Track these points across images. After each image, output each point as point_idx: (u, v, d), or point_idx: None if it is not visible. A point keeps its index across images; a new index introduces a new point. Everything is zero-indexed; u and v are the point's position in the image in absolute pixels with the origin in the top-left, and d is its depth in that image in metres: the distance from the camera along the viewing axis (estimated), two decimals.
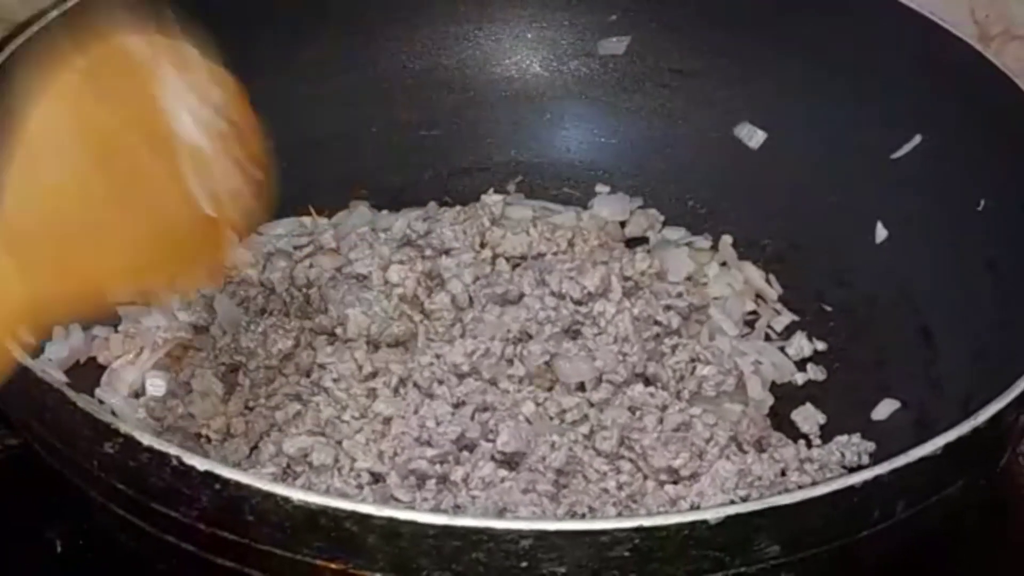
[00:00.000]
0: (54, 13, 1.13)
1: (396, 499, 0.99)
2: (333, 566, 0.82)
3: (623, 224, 1.30)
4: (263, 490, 0.81)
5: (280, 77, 1.28)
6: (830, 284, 1.24)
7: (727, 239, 1.28)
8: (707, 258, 1.26)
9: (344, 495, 0.99)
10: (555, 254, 1.20)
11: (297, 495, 0.80)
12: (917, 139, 1.20)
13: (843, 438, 1.10)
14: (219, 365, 1.11)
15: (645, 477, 1.03)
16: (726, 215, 1.30)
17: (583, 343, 1.11)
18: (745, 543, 0.82)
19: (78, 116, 0.78)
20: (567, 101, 1.35)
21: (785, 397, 1.15)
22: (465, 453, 1.02)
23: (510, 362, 1.09)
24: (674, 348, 1.13)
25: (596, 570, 0.80)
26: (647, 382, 1.10)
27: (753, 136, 1.30)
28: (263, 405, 1.07)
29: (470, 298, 1.14)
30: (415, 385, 1.07)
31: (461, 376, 1.08)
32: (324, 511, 0.80)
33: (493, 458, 1.02)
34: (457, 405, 1.06)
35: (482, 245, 1.20)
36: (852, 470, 1.07)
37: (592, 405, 1.07)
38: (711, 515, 0.80)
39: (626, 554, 0.80)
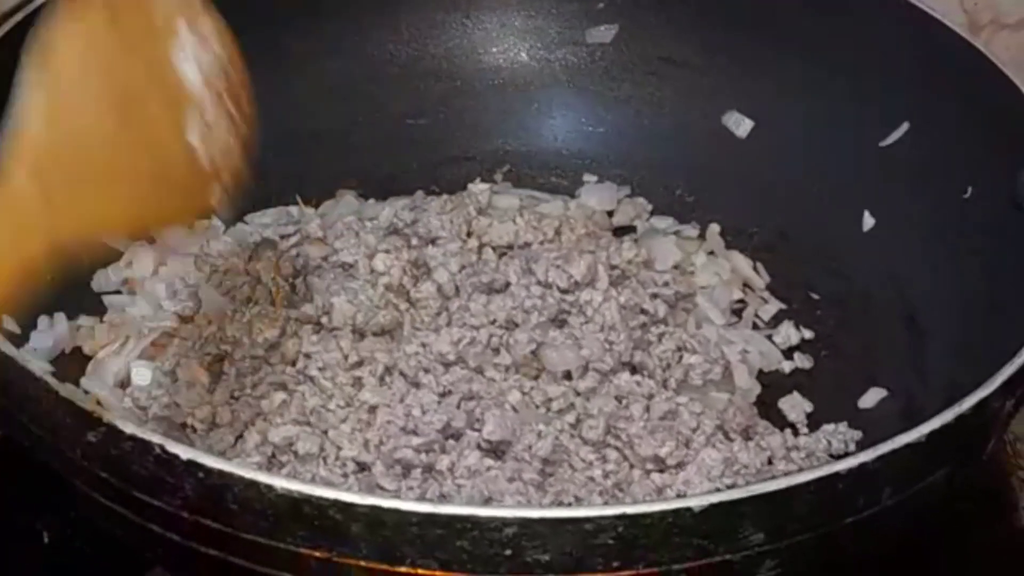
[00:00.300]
0: (38, 2, 1.13)
1: (382, 488, 0.99)
2: (317, 554, 0.82)
3: (610, 213, 1.30)
4: (246, 478, 0.81)
5: (266, 67, 1.26)
6: (817, 273, 1.24)
7: (714, 228, 1.28)
8: (694, 247, 1.26)
9: (329, 484, 0.99)
10: (542, 243, 1.20)
11: (280, 483, 0.80)
12: (905, 127, 1.20)
13: (830, 426, 1.10)
14: (204, 355, 1.10)
15: (631, 466, 1.03)
16: (714, 204, 1.30)
17: (569, 332, 1.10)
18: (730, 530, 0.82)
19: (103, 60, 0.80)
20: (555, 90, 1.35)
21: (772, 385, 1.16)
22: (451, 442, 1.02)
23: (496, 351, 1.09)
24: (661, 337, 1.13)
25: (580, 558, 0.80)
26: (633, 371, 1.10)
27: (741, 125, 1.30)
28: (248, 394, 1.07)
29: (456, 287, 1.13)
30: (401, 374, 1.07)
31: (447, 365, 1.08)
32: (308, 499, 0.80)
33: (479, 447, 1.02)
34: (443, 394, 1.06)
35: (468, 234, 1.20)
36: (839, 458, 1.06)
37: (578, 394, 1.07)
38: (695, 503, 0.80)
39: (610, 542, 0.80)
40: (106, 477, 0.86)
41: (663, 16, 1.31)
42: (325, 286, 1.13)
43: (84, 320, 1.14)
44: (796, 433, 1.11)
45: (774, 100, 1.28)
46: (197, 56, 0.83)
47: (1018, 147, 1.09)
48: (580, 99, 1.35)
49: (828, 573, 0.93)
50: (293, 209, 1.26)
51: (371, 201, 1.28)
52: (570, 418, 1.05)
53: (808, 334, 1.20)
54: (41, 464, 0.93)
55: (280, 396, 1.06)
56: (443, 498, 0.98)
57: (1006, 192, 1.10)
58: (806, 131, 1.26)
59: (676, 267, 1.22)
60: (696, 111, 1.31)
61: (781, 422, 1.12)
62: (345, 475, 1.01)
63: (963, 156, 1.15)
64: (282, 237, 1.21)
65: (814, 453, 1.08)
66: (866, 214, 1.22)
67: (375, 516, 0.80)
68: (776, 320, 1.21)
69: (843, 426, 1.10)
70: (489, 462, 1.01)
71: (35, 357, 1.07)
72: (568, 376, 1.08)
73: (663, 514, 0.80)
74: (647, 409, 1.06)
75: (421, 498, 0.98)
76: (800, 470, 1.02)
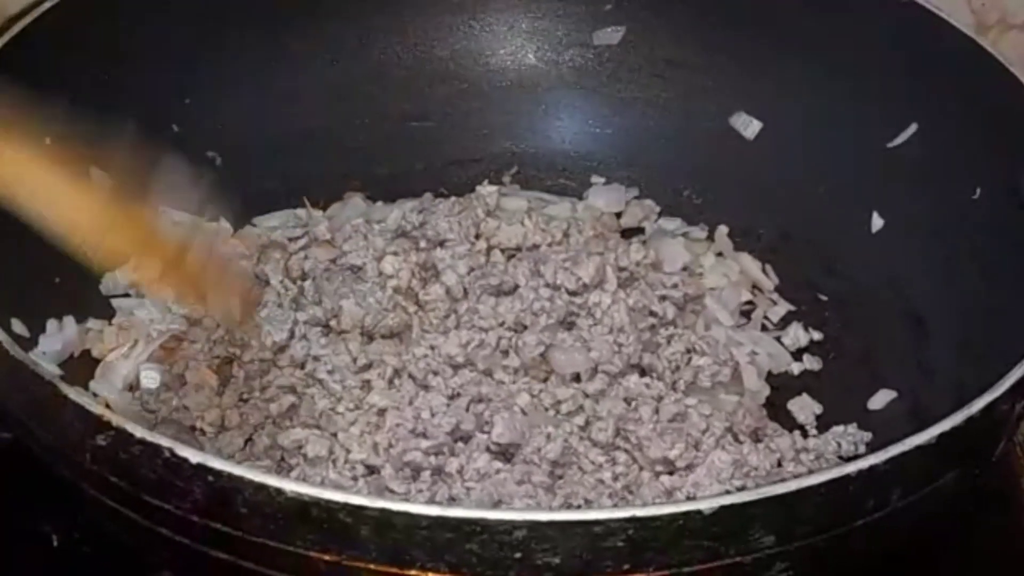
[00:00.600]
0: (47, 4, 1.13)
1: (391, 491, 0.99)
2: (326, 558, 0.82)
3: (618, 215, 1.30)
4: (256, 482, 0.80)
5: (274, 69, 1.29)
6: (826, 274, 1.24)
7: (723, 229, 1.28)
8: (703, 248, 1.26)
9: (338, 487, 0.99)
10: (550, 245, 1.20)
11: (290, 487, 0.80)
12: (913, 128, 1.20)
13: (839, 428, 1.10)
14: (213, 358, 1.10)
15: (641, 468, 1.03)
16: (722, 205, 1.29)
17: (578, 334, 1.10)
18: (740, 533, 0.82)
19: None
20: (562, 91, 1.35)
21: (781, 387, 1.15)
22: (460, 444, 1.02)
23: (505, 353, 1.09)
24: (669, 339, 1.13)
25: (590, 560, 0.80)
26: (642, 373, 1.10)
27: (749, 126, 1.30)
28: (257, 397, 1.07)
29: (464, 289, 1.13)
30: (410, 376, 1.07)
31: (456, 367, 1.08)
32: (317, 503, 0.80)
33: (488, 449, 1.02)
34: (452, 396, 1.06)
35: (477, 236, 1.20)
36: (848, 460, 1.06)
37: (587, 396, 1.07)
38: (705, 505, 0.80)
39: (620, 544, 0.80)
40: (115, 481, 0.86)
41: (670, 18, 1.31)
42: (333, 289, 1.13)
43: (93, 323, 1.14)
44: (805, 435, 1.11)
45: (782, 101, 1.28)
46: None
47: None
48: (587, 101, 1.35)
49: (837, 575, 0.92)
50: (301, 212, 1.27)
51: (379, 203, 1.28)
52: (579, 420, 1.05)
53: (817, 336, 1.20)
54: (50, 468, 0.93)
55: (289, 399, 1.06)
56: (452, 501, 0.98)
57: (1014, 193, 1.10)
58: (814, 132, 1.26)
59: (685, 269, 1.22)
60: (704, 113, 1.31)
61: (790, 424, 1.12)
62: (354, 478, 1.01)
63: (971, 157, 1.15)
64: (290, 239, 1.22)
65: (823, 455, 1.08)
66: (875, 215, 1.22)
67: (384, 519, 0.79)
68: (785, 322, 1.21)
69: (852, 428, 1.10)
70: (498, 465, 1.01)
71: (44, 360, 1.07)
72: (577, 378, 1.08)
73: (673, 517, 0.79)
74: (656, 411, 1.06)
75: (430, 501, 0.98)
76: (810, 472, 1.02)
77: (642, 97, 1.33)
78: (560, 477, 1.01)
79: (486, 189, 1.25)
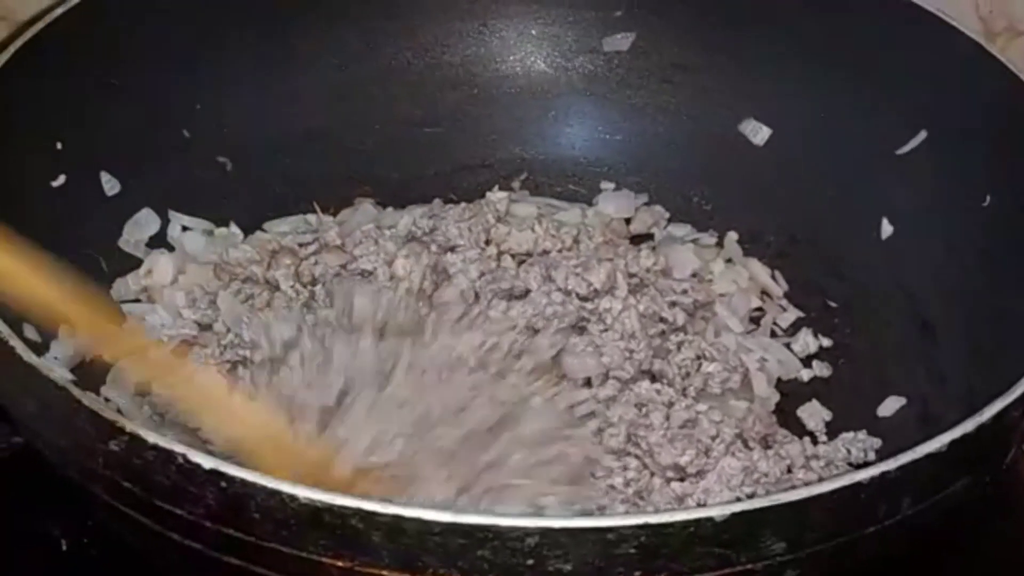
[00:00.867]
0: (59, 11, 1.14)
1: None
2: (339, 563, 0.82)
3: (628, 221, 1.30)
4: (268, 488, 0.80)
5: (284, 74, 1.29)
6: (836, 280, 1.24)
7: (732, 235, 1.28)
8: (712, 255, 1.26)
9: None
10: (560, 251, 1.20)
11: (302, 492, 0.80)
12: (923, 135, 1.20)
13: (849, 435, 1.10)
14: (223, 362, 1.10)
15: (652, 474, 1.03)
16: (731, 211, 1.30)
17: (590, 339, 1.10)
18: (751, 540, 0.82)
19: None
20: (572, 98, 1.35)
21: (791, 394, 1.16)
22: None
23: (518, 357, 1.09)
24: (680, 345, 1.13)
25: (602, 567, 0.80)
26: (653, 379, 1.10)
27: (758, 132, 1.30)
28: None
29: (476, 293, 1.14)
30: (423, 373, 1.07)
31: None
32: (329, 508, 0.80)
33: None
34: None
35: (487, 242, 1.20)
36: (859, 467, 1.07)
37: (599, 402, 1.07)
38: (717, 512, 0.80)
39: (632, 551, 0.80)
40: (128, 486, 0.86)
41: (680, 24, 1.31)
42: (344, 291, 1.13)
43: None
44: (815, 441, 1.11)
45: (791, 108, 1.28)
46: None
47: None
48: (597, 107, 1.35)
49: None
50: (311, 217, 1.27)
51: (389, 209, 1.28)
52: (592, 426, 1.05)
53: (826, 342, 1.20)
54: (61, 472, 0.93)
55: None
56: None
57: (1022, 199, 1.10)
58: (823, 139, 1.26)
59: (694, 275, 1.23)
60: (713, 118, 1.31)
61: (800, 430, 1.12)
62: None
63: (981, 164, 1.15)
64: (300, 245, 1.22)
65: (833, 462, 1.08)
66: (884, 222, 1.22)
67: (397, 525, 0.79)
68: (794, 328, 1.21)
69: (862, 434, 1.10)
70: None
71: (56, 365, 1.07)
72: (588, 383, 1.08)
73: (685, 524, 0.79)
74: (667, 417, 1.06)
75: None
76: (820, 479, 1.02)
77: (652, 103, 1.34)
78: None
79: (496, 195, 1.25)
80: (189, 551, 0.87)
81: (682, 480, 1.02)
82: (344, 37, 1.31)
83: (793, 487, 0.99)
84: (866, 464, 1.06)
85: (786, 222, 1.27)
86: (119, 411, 1.05)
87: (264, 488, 0.81)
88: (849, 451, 1.09)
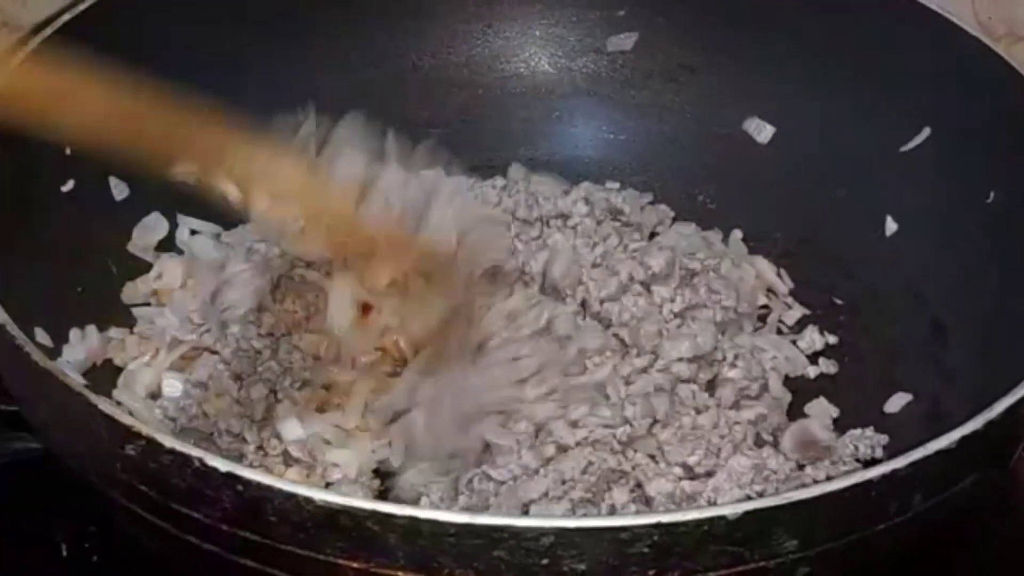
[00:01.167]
0: (66, 17, 1.14)
1: None
2: (355, 565, 0.83)
3: None
4: (285, 490, 0.81)
5: (288, 75, 1.29)
6: (841, 278, 1.24)
7: (737, 234, 1.28)
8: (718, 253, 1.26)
9: None
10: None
11: (319, 495, 0.81)
12: (926, 132, 1.20)
13: (856, 431, 1.10)
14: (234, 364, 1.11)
15: (663, 473, 1.03)
16: (736, 210, 1.30)
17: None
18: (764, 538, 0.82)
19: None
20: (576, 98, 1.36)
21: (798, 391, 1.16)
22: None
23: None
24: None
25: (616, 567, 0.81)
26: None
27: (762, 131, 1.30)
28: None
29: None
30: None
31: None
32: (345, 510, 0.80)
33: None
34: None
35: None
36: (866, 463, 1.07)
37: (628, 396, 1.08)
38: (729, 511, 0.80)
39: (645, 550, 0.80)
40: (144, 490, 0.87)
41: (683, 24, 1.32)
42: None
43: (115, 332, 1.15)
44: None
45: (795, 106, 1.29)
46: None
47: None
48: (601, 107, 1.35)
49: None
50: None
51: None
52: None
53: (832, 339, 1.20)
54: (80, 477, 0.93)
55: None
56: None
57: None
58: (827, 136, 1.27)
59: None
60: (717, 117, 1.32)
61: None
62: None
63: (985, 160, 1.15)
64: None
65: (841, 458, 1.08)
66: (888, 219, 1.23)
67: (412, 526, 0.80)
68: (800, 325, 1.22)
69: (869, 431, 1.10)
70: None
71: (68, 370, 1.07)
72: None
73: (698, 522, 0.80)
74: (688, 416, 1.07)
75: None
76: (829, 476, 1.03)
77: (656, 102, 1.34)
78: None
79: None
80: (206, 554, 0.87)
81: (692, 479, 1.03)
82: (351, 40, 1.31)
83: (803, 485, 1.00)
84: (873, 460, 1.07)
85: (791, 220, 1.28)
86: (131, 414, 1.05)
87: (280, 491, 0.81)
88: (856, 448, 1.09)
